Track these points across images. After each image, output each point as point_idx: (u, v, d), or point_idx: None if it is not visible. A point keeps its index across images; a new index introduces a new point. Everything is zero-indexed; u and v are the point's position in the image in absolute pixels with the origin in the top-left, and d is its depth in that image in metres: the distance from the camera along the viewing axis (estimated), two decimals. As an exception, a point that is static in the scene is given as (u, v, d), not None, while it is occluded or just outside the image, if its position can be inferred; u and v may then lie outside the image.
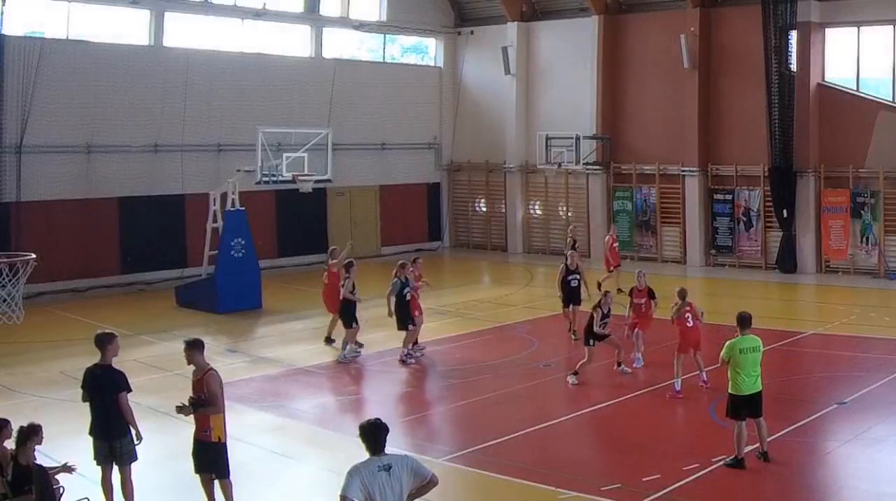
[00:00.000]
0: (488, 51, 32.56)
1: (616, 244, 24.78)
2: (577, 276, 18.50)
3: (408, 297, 16.94)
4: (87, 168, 24.98)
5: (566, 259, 18.80)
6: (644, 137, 29.61)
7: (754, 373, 11.21)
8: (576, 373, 15.33)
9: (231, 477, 9.81)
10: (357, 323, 17.36)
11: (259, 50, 28.79)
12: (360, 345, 17.68)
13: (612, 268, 23.90)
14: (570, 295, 18.51)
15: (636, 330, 16.43)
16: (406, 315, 16.94)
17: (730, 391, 11.31)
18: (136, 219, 25.74)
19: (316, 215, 29.98)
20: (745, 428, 11.15)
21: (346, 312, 17.35)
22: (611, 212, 30.26)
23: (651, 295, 16.55)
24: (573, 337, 18.23)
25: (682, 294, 15.00)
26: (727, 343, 11.25)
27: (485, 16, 33.27)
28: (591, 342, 15.25)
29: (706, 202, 28.38)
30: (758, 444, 11.33)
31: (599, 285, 20.62)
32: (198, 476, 9.84)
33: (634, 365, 16.12)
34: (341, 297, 17.38)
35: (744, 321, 11.39)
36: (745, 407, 11.19)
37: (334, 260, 18.77)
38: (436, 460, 11.38)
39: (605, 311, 15.26)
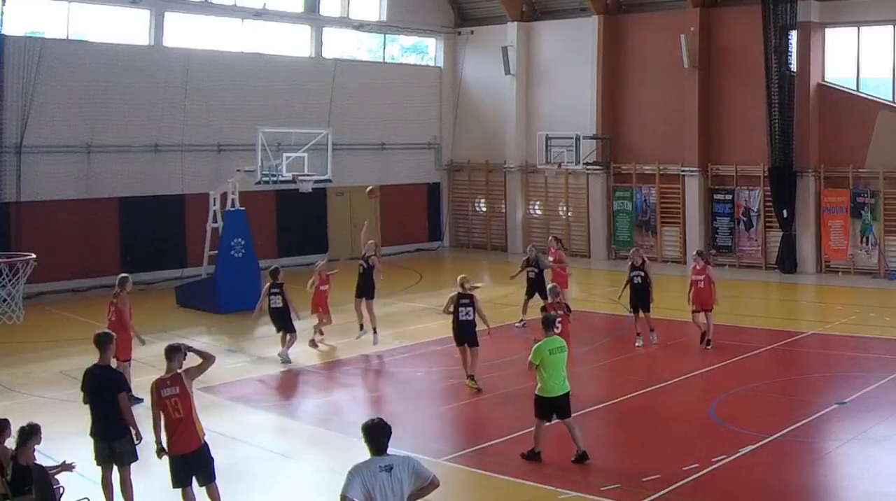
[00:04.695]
0: (488, 51, 32.53)
1: (699, 278, 17.41)
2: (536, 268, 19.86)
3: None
4: (87, 168, 24.99)
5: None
6: (644, 137, 29.60)
7: (562, 374, 11.44)
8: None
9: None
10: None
11: (259, 50, 28.77)
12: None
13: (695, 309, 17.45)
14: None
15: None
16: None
17: (538, 393, 11.47)
18: (136, 219, 25.74)
19: (316, 215, 29.97)
20: (545, 426, 11.44)
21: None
22: (611, 212, 30.27)
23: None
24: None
25: None
26: (535, 346, 11.42)
27: (485, 16, 33.25)
28: None
29: (706, 202, 28.38)
30: (755, 444, 11.33)
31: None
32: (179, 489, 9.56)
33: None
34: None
35: (548, 322, 11.71)
36: (552, 408, 11.40)
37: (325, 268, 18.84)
38: (436, 460, 11.37)
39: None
